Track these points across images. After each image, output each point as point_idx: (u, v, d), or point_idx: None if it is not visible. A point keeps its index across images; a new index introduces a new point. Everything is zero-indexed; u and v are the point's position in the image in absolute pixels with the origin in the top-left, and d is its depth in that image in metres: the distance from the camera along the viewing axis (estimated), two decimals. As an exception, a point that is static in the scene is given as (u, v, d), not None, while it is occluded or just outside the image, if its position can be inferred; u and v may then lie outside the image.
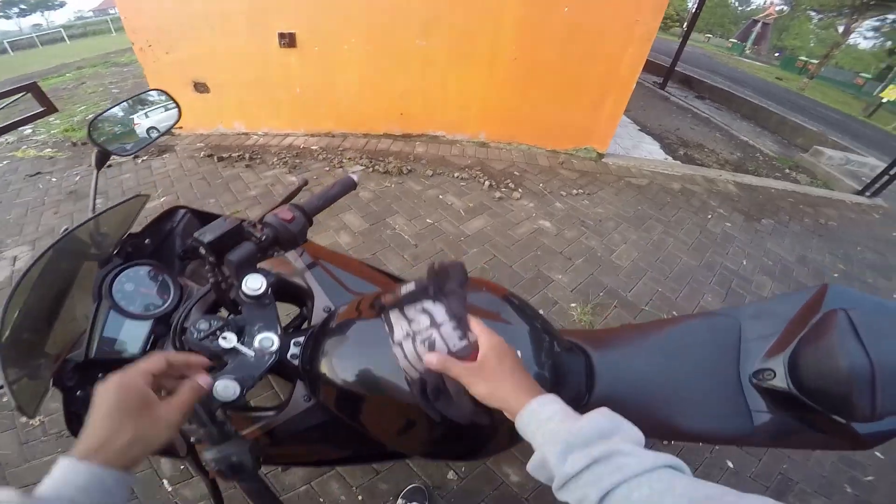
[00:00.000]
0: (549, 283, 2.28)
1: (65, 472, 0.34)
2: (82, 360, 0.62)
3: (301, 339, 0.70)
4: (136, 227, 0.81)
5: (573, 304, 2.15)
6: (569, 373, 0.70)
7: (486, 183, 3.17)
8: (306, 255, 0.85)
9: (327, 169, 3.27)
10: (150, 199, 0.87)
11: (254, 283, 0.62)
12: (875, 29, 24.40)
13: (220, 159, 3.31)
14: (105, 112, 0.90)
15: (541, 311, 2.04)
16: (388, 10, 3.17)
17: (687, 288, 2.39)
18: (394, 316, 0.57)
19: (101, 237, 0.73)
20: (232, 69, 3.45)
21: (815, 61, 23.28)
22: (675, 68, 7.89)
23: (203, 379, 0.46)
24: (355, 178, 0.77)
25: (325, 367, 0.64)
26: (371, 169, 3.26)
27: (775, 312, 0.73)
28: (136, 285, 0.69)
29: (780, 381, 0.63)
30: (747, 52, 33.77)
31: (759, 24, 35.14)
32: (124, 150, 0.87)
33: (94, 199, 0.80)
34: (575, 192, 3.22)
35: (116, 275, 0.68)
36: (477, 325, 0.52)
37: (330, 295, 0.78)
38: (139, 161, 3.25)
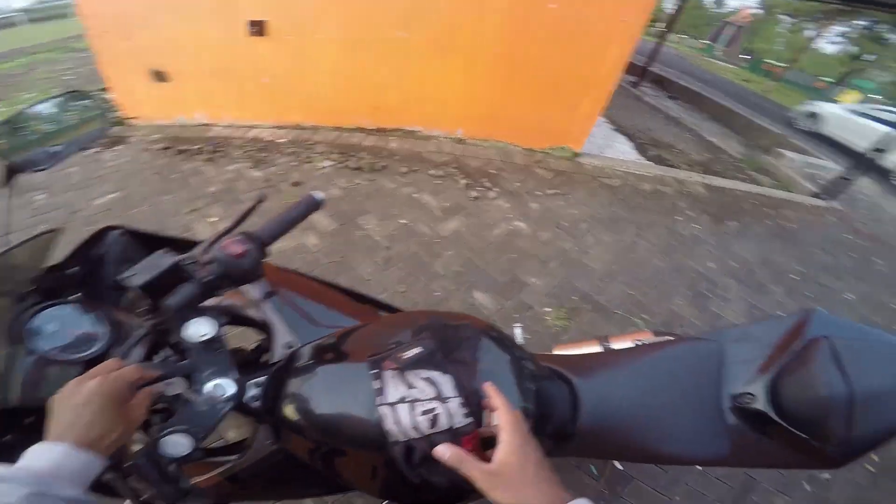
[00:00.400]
0: (524, 287, 2.26)
1: (61, 456, 0.37)
2: None
3: (261, 379, 0.62)
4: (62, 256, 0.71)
5: (547, 309, 2.14)
6: (553, 402, 0.68)
7: (463, 181, 3.12)
8: (265, 281, 0.77)
9: (294, 164, 3.12)
10: (62, 232, 0.75)
11: (198, 329, 0.55)
12: (842, 34, 25.58)
13: (179, 152, 3.10)
14: (14, 117, 0.72)
15: (516, 317, 2.05)
16: (368, -1, 3.04)
17: (656, 291, 2.43)
18: (389, 375, 0.53)
19: (12, 272, 0.63)
20: (195, 57, 3.22)
21: (783, 65, 24.27)
22: (649, 68, 8.03)
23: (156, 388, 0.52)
24: (320, 196, 0.68)
25: (289, 413, 0.58)
26: (342, 164, 3.15)
27: (759, 337, 0.73)
28: (62, 325, 0.59)
29: (760, 404, 0.64)
30: (717, 53, 34.86)
31: (732, 27, 36.24)
32: (39, 163, 0.71)
33: (6, 222, 0.67)
34: (550, 192, 3.22)
35: (35, 314, 0.58)
36: (503, 415, 0.47)
37: (294, 328, 0.71)
38: (88, 152, 2.99)
